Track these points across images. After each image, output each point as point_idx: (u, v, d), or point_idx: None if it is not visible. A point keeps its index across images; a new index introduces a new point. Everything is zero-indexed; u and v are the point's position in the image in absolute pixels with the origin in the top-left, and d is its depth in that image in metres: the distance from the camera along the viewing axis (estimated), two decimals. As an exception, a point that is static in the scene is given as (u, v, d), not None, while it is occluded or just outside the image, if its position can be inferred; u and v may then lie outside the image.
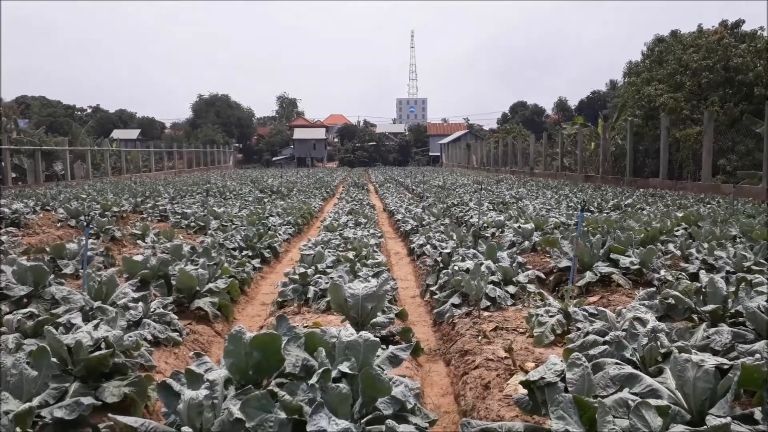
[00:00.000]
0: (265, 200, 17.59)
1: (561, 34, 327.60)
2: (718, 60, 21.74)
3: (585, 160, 27.74)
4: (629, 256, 6.06)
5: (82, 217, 11.36)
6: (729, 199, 13.69)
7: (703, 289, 4.14)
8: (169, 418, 2.58)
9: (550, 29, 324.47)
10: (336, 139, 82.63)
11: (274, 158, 74.36)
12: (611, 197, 14.99)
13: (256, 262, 7.96)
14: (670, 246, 6.98)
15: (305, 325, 4.64)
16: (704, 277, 4.46)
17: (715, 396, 2.41)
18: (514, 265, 6.04)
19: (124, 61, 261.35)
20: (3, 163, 23.37)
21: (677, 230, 8.23)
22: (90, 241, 7.21)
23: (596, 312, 4.03)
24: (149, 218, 13.00)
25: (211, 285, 5.71)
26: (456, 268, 5.89)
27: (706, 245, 6.39)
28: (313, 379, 2.58)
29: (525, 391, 2.76)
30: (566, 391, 2.50)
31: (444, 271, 6.17)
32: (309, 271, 6.06)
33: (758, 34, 22.81)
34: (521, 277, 5.73)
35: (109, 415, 2.53)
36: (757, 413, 2.34)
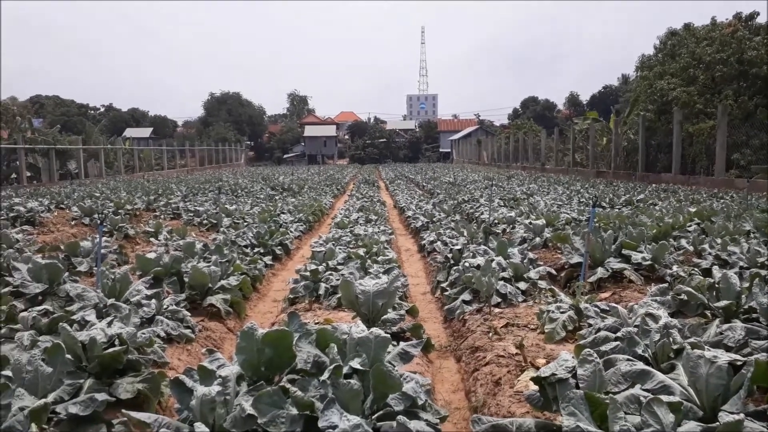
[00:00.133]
0: (277, 198, 17.65)
1: (572, 28, 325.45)
2: (732, 53, 21.48)
3: (597, 156, 27.57)
4: (641, 252, 6.02)
5: (96, 216, 11.46)
6: (743, 194, 13.55)
7: (716, 285, 4.10)
8: (182, 414, 2.61)
9: (562, 24, 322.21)
10: (346, 136, 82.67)
11: (285, 156, 74.58)
12: (623, 193, 14.89)
13: (267, 259, 8.00)
14: (683, 241, 6.93)
15: (316, 321, 4.66)
16: (717, 272, 4.43)
17: (728, 392, 2.40)
18: (525, 261, 6.03)
19: (137, 60, 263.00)
20: (18, 162, 23.63)
21: (690, 225, 8.16)
22: (104, 239, 7.27)
23: (608, 308, 4.02)
24: (162, 216, 13.09)
25: (223, 282, 5.75)
26: (467, 264, 5.88)
27: (719, 241, 6.33)
28: (325, 376, 2.59)
29: (536, 388, 2.76)
30: (577, 387, 2.50)
31: (455, 267, 6.17)
32: (320, 267, 6.08)
33: (773, 26, 22.53)
34: (532, 274, 5.72)
35: (123, 411, 2.56)
36: (771, 410, 2.32)
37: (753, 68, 21.05)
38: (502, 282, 5.32)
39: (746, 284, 4.03)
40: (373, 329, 2.91)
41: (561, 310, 4.35)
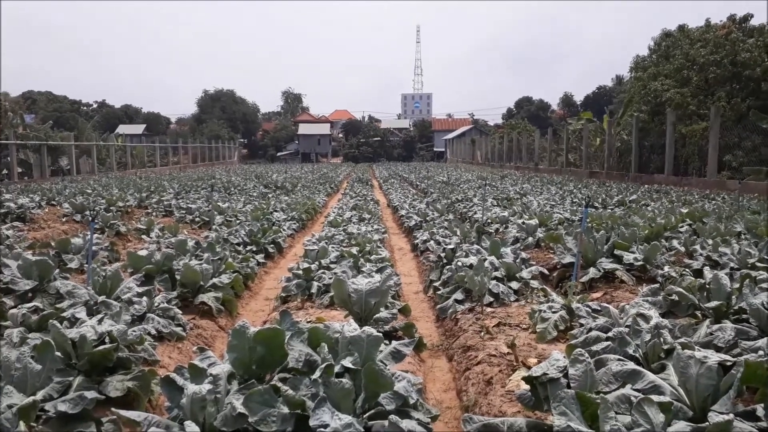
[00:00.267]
0: (270, 195, 17.61)
1: (567, 29, 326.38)
2: (725, 55, 21.59)
3: (590, 156, 27.66)
4: (633, 253, 6.04)
5: (88, 212, 11.39)
6: (734, 195, 13.62)
7: (707, 286, 4.12)
8: (173, 413, 2.59)
9: (556, 24, 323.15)
10: (341, 135, 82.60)
11: (278, 153, 74.45)
12: (616, 193, 14.95)
13: (260, 257, 7.98)
14: (675, 242, 6.96)
15: (308, 320, 4.65)
16: (708, 273, 4.45)
17: (718, 392, 2.41)
18: (517, 261, 6.04)
19: (131, 57, 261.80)
20: (9, 158, 23.46)
21: (682, 226, 8.20)
22: (95, 235, 7.24)
23: (599, 308, 4.03)
24: (154, 213, 13.03)
25: (215, 280, 5.73)
26: (459, 263, 5.89)
27: (710, 241, 6.36)
28: (316, 374, 2.59)
29: (527, 387, 2.76)
30: (569, 387, 2.50)
31: (447, 266, 6.17)
32: (313, 266, 6.07)
33: (766, 28, 22.63)
34: (525, 273, 5.73)
35: (113, 409, 2.55)
36: (760, 410, 2.33)
37: (746, 70, 21.17)
38: (494, 281, 5.33)
39: (737, 285, 4.04)
40: (366, 328, 2.91)
41: (553, 310, 4.36)
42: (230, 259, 6.56)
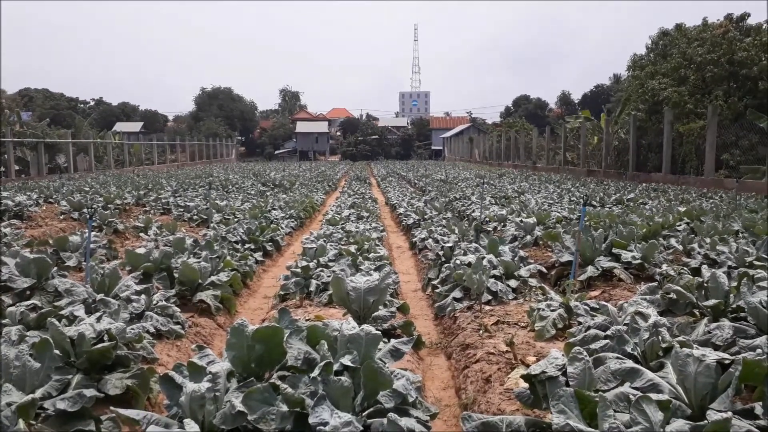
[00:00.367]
0: (268, 193, 17.60)
1: (565, 28, 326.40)
2: (722, 54, 21.61)
3: (588, 155, 27.68)
4: (631, 251, 6.06)
5: (85, 210, 11.38)
6: (732, 194, 13.65)
7: (705, 284, 4.13)
8: (172, 411, 2.59)
9: (554, 24, 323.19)
10: (338, 133, 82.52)
11: (276, 151, 74.35)
12: (613, 192, 14.97)
13: (258, 255, 7.97)
14: (672, 241, 6.97)
15: (307, 318, 4.66)
16: (706, 272, 4.46)
17: (716, 391, 2.41)
18: (515, 259, 6.05)
19: (127, 54, 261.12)
20: (6, 156, 23.40)
21: (679, 225, 8.22)
22: (93, 233, 7.23)
23: (598, 306, 4.04)
24: (152, 211, 13.02)
25: (213, 278, 5.72)
26: (458, 262, 5.89)
27: (708, 240, 6.38)
28: (315, 372, 2.59)
29: (526, 385, 2.76)
30: (567, 385, 2.51)
31: (446, 265, 6.18)
32: (311, 264, 6.07)
33: (763, 27, 22.63)
34: (523, 272, 5.73)
35: (111, 408, 2.55)
36: (758, 408, 2.34)
37: (743, 69, 21.19)
38: (492, 280, 5.34)
39: (734, 283, 4.05)
40: (364, 326, 2.91)
41: (551, 308, 4.36)
42: (228, 258, 6.55)
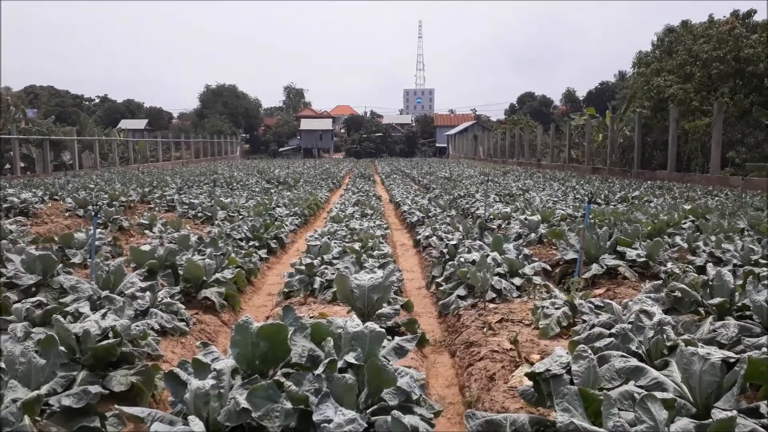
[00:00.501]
0: (272, 191, 17.62)
1: (569, 25, 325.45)
2: (728, 51, 21.50)
3: (592, 152, 27.60)
4: (636, 249, 6.04)
5: (90, 207, 11.41)
6: (737, 191, 13.59)
7: (710, 282, 4.12)
8: (176, 408, 2.60)
9: (559, 21, 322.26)
10: (343, 130, 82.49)
11: (280, 149, 74.40)
12: (618, 189, 14.93)
13: (262, 252, 7.99)
14: (677, 239, 6.95)
15: (311, 315, 4.66)
16: (711, 270, 4.45)
17: (721, 389, 2.41)
18: (520, 257, 6.04)
19: (133, 51, 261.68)
20: (12, 153, 23.49)
21: (685, 223, 8.19)
22: (98, 230, 7.24)
23: (602, 304, 4.03)
24: (157, 208, 13.05)
25: (218, 275, 5.74)
26: (462, 259, 5.88)
27: (713, 238, 6.36)
28: (319, 370, 2.59)
29: (530, 383, 2.76)
30: (572, 383, 2.50)
31: (450, 262, 6.17)
32: (315, 261, 6.07)
33: (770, 24, 22.55)
34: (527, 269, 5.72)
35: (116, 405, 2.56)
36: (763, 407, 2.33)
37: (749, 66, 21.09)
38: (497, 277, 5.33)
39: (740, 282, 4.04)
40: (368, 324, 2.91)
41: (555, 306, 4.36)
42: (233, 255, 6.57)
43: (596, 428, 2.15)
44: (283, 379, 2.51)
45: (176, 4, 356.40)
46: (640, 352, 3.00)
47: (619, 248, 6.08)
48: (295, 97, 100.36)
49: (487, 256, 5.65)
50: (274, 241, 8.82)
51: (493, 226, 9.14)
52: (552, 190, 15.23)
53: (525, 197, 13.10)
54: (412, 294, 6.56)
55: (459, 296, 5.43)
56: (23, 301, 4.23)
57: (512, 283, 5.41)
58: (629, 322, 3.32)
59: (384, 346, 2.99)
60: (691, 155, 20.73)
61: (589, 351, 2.64)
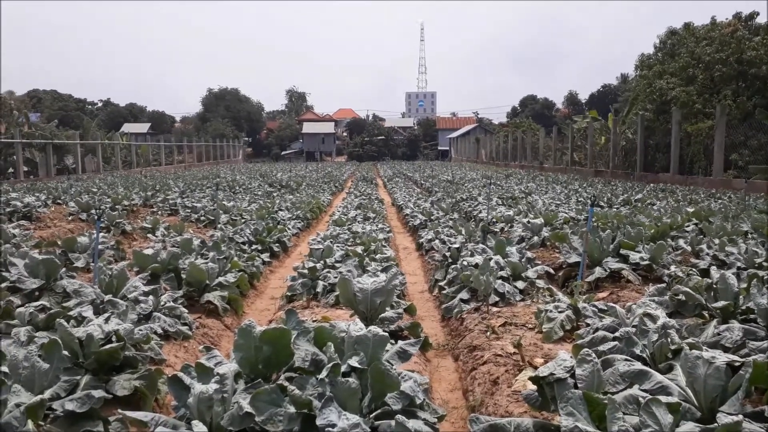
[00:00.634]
0: (275, 194, 17.63)
1: (571, 28, 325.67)
2: (731, 53, 21.48)
3: (595, 155, 27.58)
4: (639, 252, 6.02)
5: (93, 211, 11.43)
6: (741, 194, 13.56)
7: (714, 286, 4.11)
8: (179, 412, 2.60)
9: (561, 22, 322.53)
10: (345, 133, 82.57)
11: (283, 152, 74.47)
12: (621, 192, 14.91)
13: (265, 256, 7.99)
14: (681, 242, 6.93)
15: (314, 319, 4.65)
16: (715, 273, 4.43)
17: (726, 393, 2.40)
18: (523, 260, 6.03)
19: (135, 55, 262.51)
20: (15, 157, 23.55)
21: (688, 226, 8.17)
22: (101, 234, 7.25)
23: (606, 308, 4.02)
24: (159, 212, 13.07)
25: (220, 279, 5.74)
26: (465, 263, 5.88)
27: (717, 241, 6.34)
28: (323, 374, 2.59)
29: (534, 387, 2.75)
30: (576, 387, 2.50)
31: (453, 266, 6.16)
32: (318, 265, 6.07)
33: (772, 26, 22.54)
34: (530, 273, 5.71)
35: (119, 410, 2.55)
36: (769, 411, 2.32)
37: (752, 68, 21.07)
38: (500, 281, 5.32)
39: (744, 285, 4.02)
40: (372, 327, 2.90)
41: (559, 310, 4.35)
42: (236, 258, 6.57)
43: (601, 433, 2.14)
44: (286, 384, 2.51)
45: (176, 4, 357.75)
46: (644, 355, 2.99)
47: (623, 251, 6.06)
48: (297, 100, 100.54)
49: (490, 259, 5.64)
50: (277, 244, 8.82)
51: (495, 230, 9.13)
52: (554, 193, 15.22)
53: (527, 200, 13.09)
54: (414, 297, 6.55)
55: (462, 300, 5.42)
56: (26, 305, 4.24)
57: (515, 287, 5.40)
58: (633, 326, 3.31)
59: (387, 350, 2.99)
60: (693, 158, 20.70)
61: (593, 355, 2.63)
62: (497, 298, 5.16)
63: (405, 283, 6.20)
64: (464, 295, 5.47)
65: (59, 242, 7.23)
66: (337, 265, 6.25)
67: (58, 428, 2.74)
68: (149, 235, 9.28)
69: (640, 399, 2.33)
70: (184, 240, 7.02)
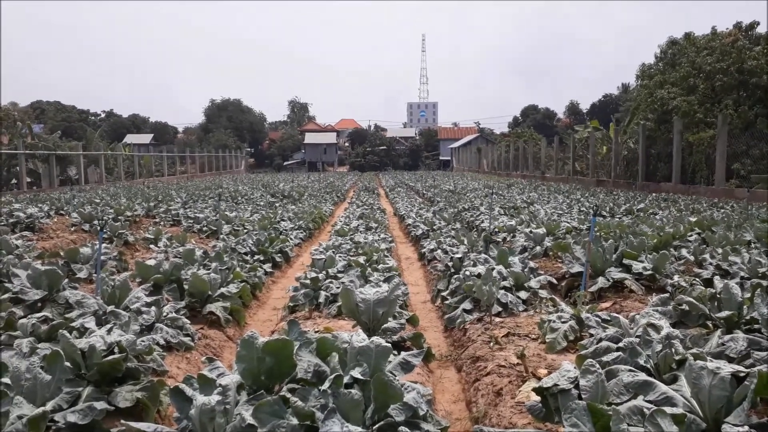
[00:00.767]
0: (277, 205, 17.65)
1: (573, 37, 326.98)
2: (732, 63, 21.53)
3: (597, 164, 27.59)
4: (642, 262, 6.01)
5: (96, 222, 11.45)
6: (743, 203, 13.55)
7: (718, 296, 4.09)
8: (181, 424, 2.59)
9: (562, 32, 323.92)
10: (347, 144, 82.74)
11: (285, 163, 74.62)
12: (623, 202, 14.89)
13: (267, 266, 7.99)
14: (684, 251, 6.91)
15: (316, 330, 4.64)
16: (719, 283, 4.42)
17: (731, 404, 2.38)
18: (525, 270, 6.01)
19: (137, 67, 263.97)
20: (18, 168, 23.63)
21: (690, 235, 8.16)
22: (103, 245, 7.26)
23: (609, 318, 4.00)
24: (162, 223, 13.09)
25: (223, 289, 5.73)
26: (467, 273, 5.87)
27: (720, 250, 6.32)
28: (325, 385, 2.58)
29: (537, 398, 2.74)
30: (579, 398, 2.48)
31: (455, 276, 6.15)
32: (320, 275, 6.07)
33: (773, 36, 22.59)
34: (533, 283, 5.70)
35: (122, 421, 2.54)
36: (774, 422, 2.31)
37: (753, 78, 21.10)
38: (502, 291, 5.31)
39: (748, 295, 4.01)
40: (374, 338, 2.90)
41: (562, 320, 4.33)
42: (238, 269, 6.57)
43: (605, 444, 2.13)
44: (288, 395, 2.50)
45: (182, 14, 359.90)
46: (648, 366, 2.98)
47: (625, 261, 6.05)
48: (299, 111, 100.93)
49: (493, 269, 5.63)
50: (279, 255, 8.82)
51: (498, 239, 9.13)
52: (557, 202, 15.21)
53: (530, 210, 13.09)
54: (417, 308, 6.53)
55: (465, 310, 5.41)
56: (29, 316, 4.23)
57: (518, 297, 5.38)
58: (637, 336, 3.30)
59: (390, 361, 2.98)
60: (695, 167, 20.69)
61: (597, 365, 2.62)
62: (500, 309, 5.15)
63: (407, 293, 6.19)
64: (467, 305, 5.46)
65: (62, 253, 7.24)
66: (340, 275, 6.25)
67: (60, 440, 2.73)
68: (152, 246, 9.29)
69: (645, 410, 2.32)
70: (187, 251, 7.03)
